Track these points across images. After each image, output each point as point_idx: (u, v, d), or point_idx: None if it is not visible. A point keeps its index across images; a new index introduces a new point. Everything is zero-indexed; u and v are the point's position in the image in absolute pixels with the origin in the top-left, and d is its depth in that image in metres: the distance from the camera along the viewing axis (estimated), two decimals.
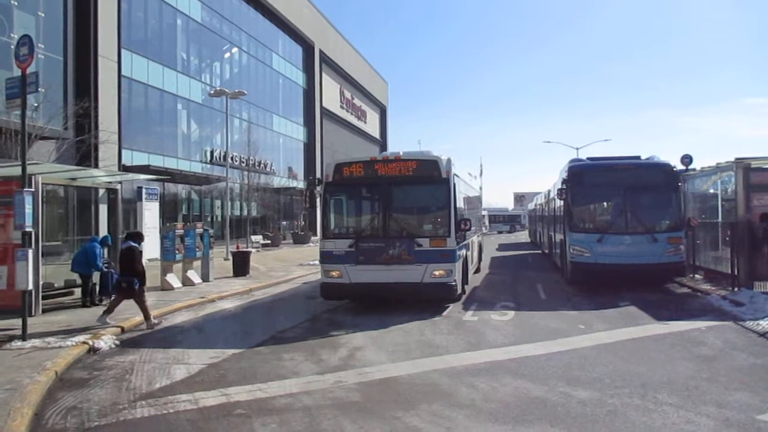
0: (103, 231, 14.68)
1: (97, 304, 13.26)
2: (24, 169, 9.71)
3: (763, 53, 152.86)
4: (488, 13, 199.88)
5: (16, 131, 17.24)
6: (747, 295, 12.52)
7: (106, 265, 13.35)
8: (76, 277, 13.49)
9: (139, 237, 12.06)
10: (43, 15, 24.44)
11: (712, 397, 6.54)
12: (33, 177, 11.14)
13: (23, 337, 9.41)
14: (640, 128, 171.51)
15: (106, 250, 13.66)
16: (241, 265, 20.29)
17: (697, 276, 16.60)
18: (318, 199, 13.61)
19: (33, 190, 10.05)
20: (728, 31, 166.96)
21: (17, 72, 9.59)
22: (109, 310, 11.33)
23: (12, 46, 15.64)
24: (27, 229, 9.41)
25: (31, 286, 9.68)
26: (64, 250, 14.33)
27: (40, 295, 11.97)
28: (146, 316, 11.38)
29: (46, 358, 8.34)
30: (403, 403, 6.55)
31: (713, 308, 12.35)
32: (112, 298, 11.77)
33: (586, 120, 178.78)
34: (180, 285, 16.88)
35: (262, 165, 41.12)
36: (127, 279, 11.17)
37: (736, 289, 13.41)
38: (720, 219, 15.58)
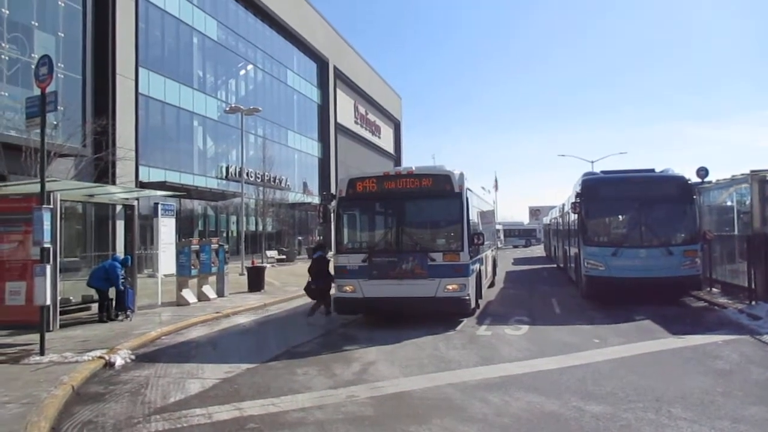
0: (120, 246, 14.89)
1: (113, 320, 13.41)
2: (43, 186, 9.90)
3: None
4: (500, 25, 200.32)
5: (36, 149, 17.56)
6: (764, 308, 12.38)
7: (123, 281, 13.51)
8: (93, 292, 13.66)
9: (325, 247, 15.14)
10: (62, 35, 24.96)
11: (728, 411, 6.47)
12: (51, 194, 11.32)
13: (41, 351, 9.54)
14: (655, 140, 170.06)
15: (124, 269, 13.82)
16: (255, 281, 20.40)
17: (713, 289, 16.42)
18: (332, 214, 13.69)
19: (51, 206, 10.22)
20: (744, 42, 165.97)
21: (37, 91, 9.80)
22: (325, 308, 14.01)
23: (33, 66, 15.98)
24: (45, 245, 9.56)
25: (49, 302, 9.82)
26: (82, 266, 14.52)
27: (58, 310, 12.10)
28: (328, 311, 13.96)
29: (62, 373, 8.45)
30: (415, 417, 6.56)
31: (730, 322, 12.22)
32: (311, 301, 14.26)
33: (601, 132, 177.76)
34: (195, 300, 16.99)
35: (277, 181, 41.41)
36: (322, 282, 13.92)
37: (753, 302, 13.25)
38: (736, 232, 15.45)
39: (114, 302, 13.65)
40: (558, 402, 6.95)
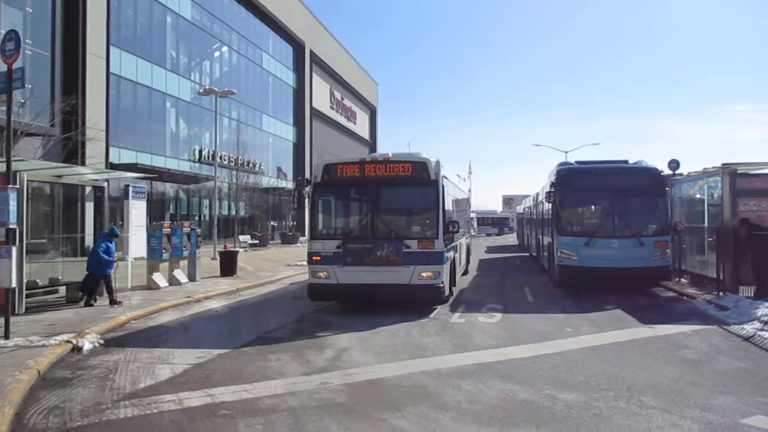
0: (89, 228, 14.57)
1: (91, 305, 13.07)
2: (9, 166, 9.61)
3: (748, 60, 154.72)
4: (476, 17, 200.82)
5: (1, 127, 17.04)
6: (732, 299, 12.60)
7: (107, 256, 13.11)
8: (60, 275, 13.35)
9: None
10: (30, 10, 24.24)
11: (697, 400, 6.57)
12: (18, 174, 11.01)
13: (6, 335, 9.28)
14: (628, 132, 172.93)
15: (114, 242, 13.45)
16: (228, 265, 20.18)
17: (683, 280, 16.70)
18: (306, 200, 13.55)
19: (18, 186, 9.95)
20: (714, 38, 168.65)
21: (3, 67, 9.47)
22: None
23: None
24: (11, 227, 9.30)
25: (14, 284, 9.56)
26: (49, 248, 14.17)
27: (24, 293, 11.80)
28: None
29: (28, 357, 8.24)
30: (389, 404, 6.53)
31: (698, 312, 12.43)
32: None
33: (574, 123, 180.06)
34: (166, 284, 16.75)
35: (250, 165, 41.01)
36: None
37: (721, 293, 13.49)
38: (706, 224, 15.70)
39: (81, 285, 13.28)
40: (531, 390, 6.99)
